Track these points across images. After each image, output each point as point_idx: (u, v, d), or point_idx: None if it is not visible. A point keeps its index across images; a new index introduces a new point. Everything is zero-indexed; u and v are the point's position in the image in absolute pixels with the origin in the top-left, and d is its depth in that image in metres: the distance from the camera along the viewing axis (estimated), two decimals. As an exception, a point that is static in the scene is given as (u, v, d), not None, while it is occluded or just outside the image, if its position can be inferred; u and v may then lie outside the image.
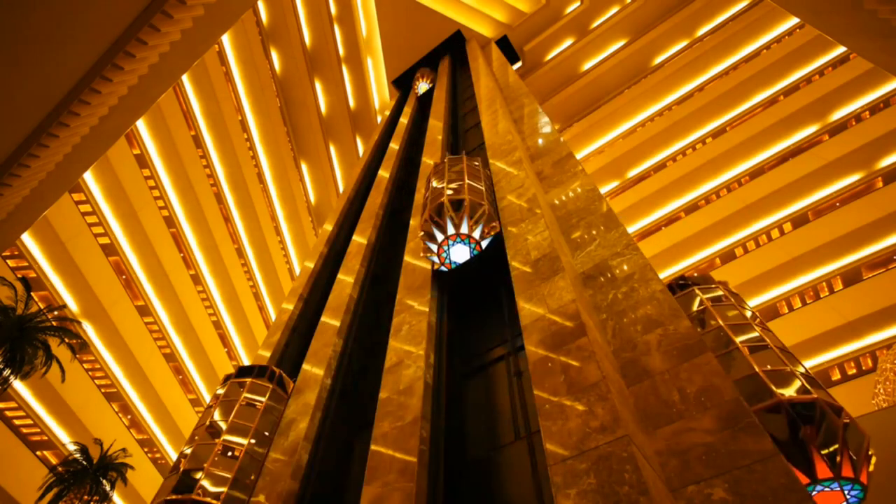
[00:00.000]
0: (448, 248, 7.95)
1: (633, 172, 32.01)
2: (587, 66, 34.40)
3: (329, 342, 9.72)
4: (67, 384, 24.83)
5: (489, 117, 14.62)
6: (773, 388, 5.15)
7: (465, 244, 7.93)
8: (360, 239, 13.67)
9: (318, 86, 35.34)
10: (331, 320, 10.48)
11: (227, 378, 8.91)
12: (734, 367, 5.70)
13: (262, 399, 8.43)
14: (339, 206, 19.38)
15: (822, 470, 4.61)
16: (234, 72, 34.06)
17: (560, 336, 5.29)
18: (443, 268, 8.28)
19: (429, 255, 8.28)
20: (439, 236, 7.94)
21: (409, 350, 7.25)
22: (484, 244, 8.04)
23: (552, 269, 6.40)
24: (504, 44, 32.74)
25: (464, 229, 7.76)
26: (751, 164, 27.32)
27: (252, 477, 7.38)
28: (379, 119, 34.54)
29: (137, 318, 31.79)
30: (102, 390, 30.84)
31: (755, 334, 6.08)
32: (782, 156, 26.57)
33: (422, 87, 28.17)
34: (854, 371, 20.99)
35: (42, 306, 23.82)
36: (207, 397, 38.00)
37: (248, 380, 8.66)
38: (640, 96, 32.57)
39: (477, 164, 9.89)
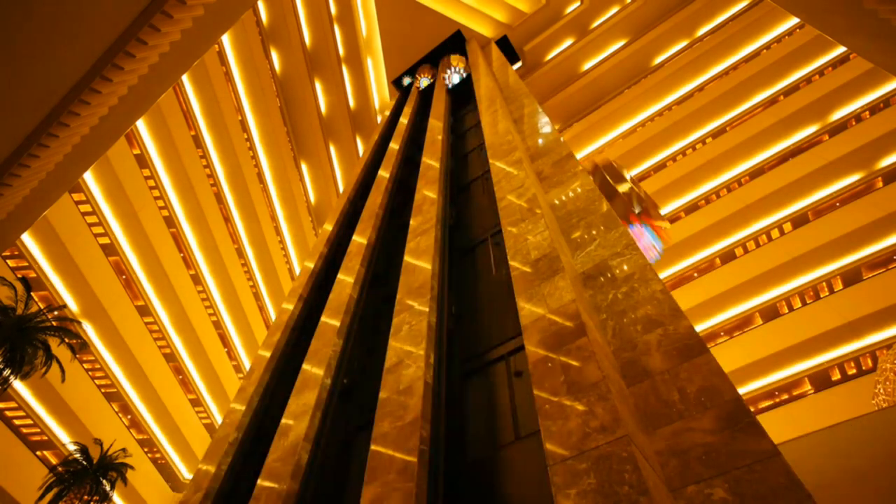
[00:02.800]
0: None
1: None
2: (587, 66, 34.39)
3: (329, 342, 9.72)
4: (67, 384, 24.84)
5: (489, 117, 14.62)
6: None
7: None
8: (360, 239, 13.67)
9: (318, 86, 35.32)
10: (331, 320, 10.48)
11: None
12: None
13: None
14: (339, 206, 19.37)
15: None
16: (234, 72, 34.04)
17: (560, 336, 5.29)
18: None
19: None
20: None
21: (409, 350, 7.25)
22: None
23: (552, 269, 6.40)
24: (504, 44, 32.73)
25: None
26: (751, 164, 27.34)
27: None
28: (379, 119, 34.54)
29: (137, 318, 31.79)
30: (102, 390, 30.83)
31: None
32: (782, 156, 26.58)
33: (423, 81, 28.41)
34: (854, 371, 21.00)
35: (42, 306, 23.82)
36: (208, 397, 38.02)
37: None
38: (640, 96, 32.57)
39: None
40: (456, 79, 26.24)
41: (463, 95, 23.46)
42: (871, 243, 22.12)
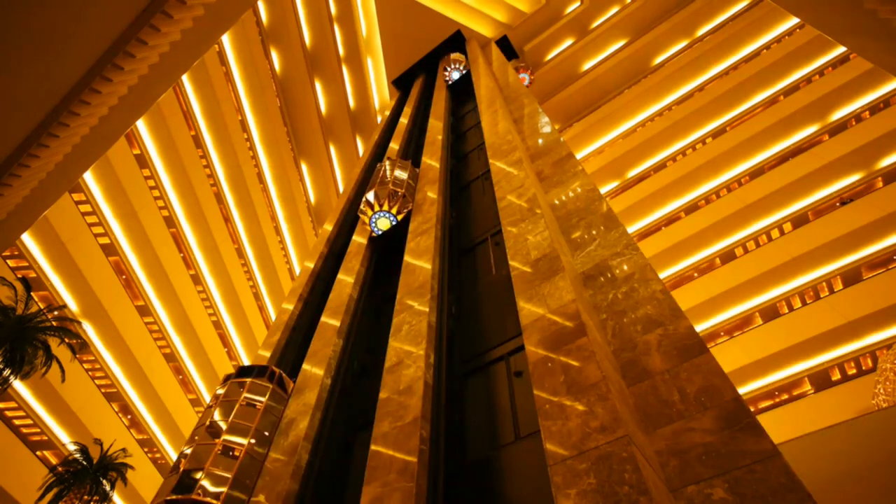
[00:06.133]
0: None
1: (633, 172, 32.00)
2: (587, 66, 34.38)
3: (329, 342, 9.72)
4: (67, 384, 24.84)
5: (489, 117, 14.62)
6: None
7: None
8: (360, 239, 13.66)
9: (318, 86, 35.31)
10: (331, 320, 10.48)
11: (227, 378, 8.90)
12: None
13: (262, 399, 8.43)
14: (339, 206, 19.37)
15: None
16: (234, 72, 34.04)
17: (560, 336, 5.28)
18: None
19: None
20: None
21: (409, 350, 7.25)
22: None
23: (552, 269, 6.39)
24: (504, 44, 32.73)
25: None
26: (751, 164, 27.31)
27: (252, 477, 7.37)
28: (379, 119, 34.53)
29: (137, 318, 31.79)
30: (102, 390, 30.84)
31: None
32: (782, 156, 26.56)
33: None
34: (854, 371, 20.98)
35: (42, 306, 23.82)
36: (207, 397, 37.99)
37: (248, 380, 8.65)
38: (639, 96, 32.55)
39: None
40: (456, 75, 24.78)
41: (463, 94, 23.44)
42: (871, 243, 22.10)
